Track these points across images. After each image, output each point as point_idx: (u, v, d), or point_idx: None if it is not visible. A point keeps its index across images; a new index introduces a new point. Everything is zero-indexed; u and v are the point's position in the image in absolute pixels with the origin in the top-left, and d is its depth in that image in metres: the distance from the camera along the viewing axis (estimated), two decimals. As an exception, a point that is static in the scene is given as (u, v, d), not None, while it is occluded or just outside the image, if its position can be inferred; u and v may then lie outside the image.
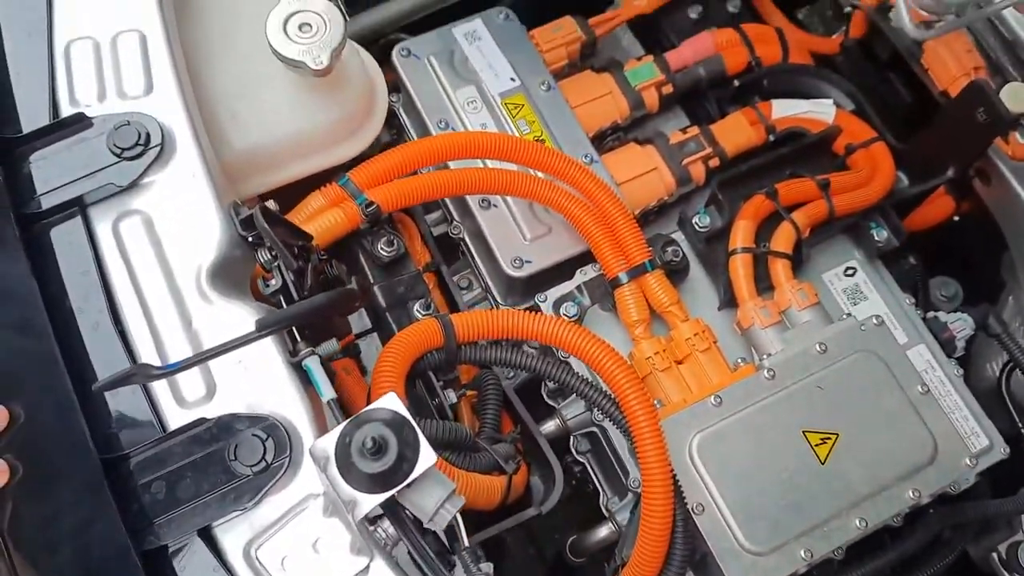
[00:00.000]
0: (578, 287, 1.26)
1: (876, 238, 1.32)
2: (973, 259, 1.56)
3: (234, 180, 1.07)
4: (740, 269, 1.24)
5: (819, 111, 1.45)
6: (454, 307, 1.31)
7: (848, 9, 1.67)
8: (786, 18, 1.72)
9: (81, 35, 0.92)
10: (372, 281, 1.15)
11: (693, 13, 1.60)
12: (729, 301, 1.27)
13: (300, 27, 1.03)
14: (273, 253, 0.86)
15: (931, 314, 1.34)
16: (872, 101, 1.53)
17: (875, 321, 1.19)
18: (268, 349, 0.81)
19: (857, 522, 1.07)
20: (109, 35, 0.93)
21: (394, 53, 1.38)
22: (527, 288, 1.29)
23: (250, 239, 0.87)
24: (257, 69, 1.08)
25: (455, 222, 1.35)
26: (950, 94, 1.44)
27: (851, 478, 1.09)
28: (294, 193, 1.15)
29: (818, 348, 1.16)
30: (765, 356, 1.17)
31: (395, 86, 1.40)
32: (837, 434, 1.11)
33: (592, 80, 1.45)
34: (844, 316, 1.22)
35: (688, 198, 1.42)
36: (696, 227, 1.30)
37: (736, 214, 1.29)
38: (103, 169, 0.86)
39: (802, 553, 1.05)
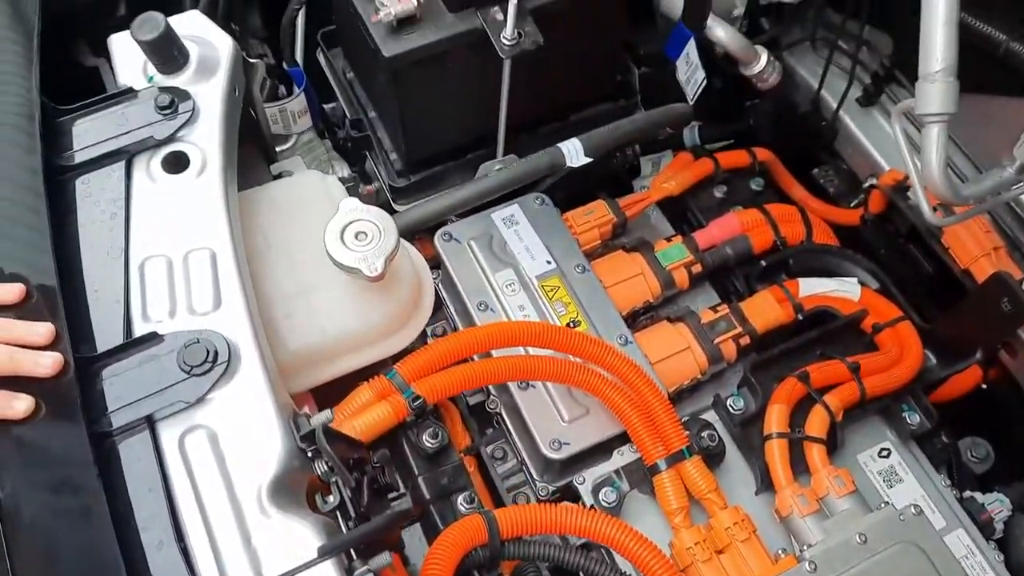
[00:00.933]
0: (616, 471, 1.28)
1: (908, 421, 1.35)
2: (1004, 426, 1.58)
3: (286, 377, 1.11)
4: (776, 455, 1.26)
5: (844, 289, 1.50)
6: (494, 490, 1.33)
7: (867, 185, 1.75)
8: (806, 190, 1.80)
9: (156, 253, 0.99)
10: (416, 472, 1.18)
11: (718, 192, 1.67)
12: (766, 486, 1.28)
13: (356, 235, 1.10)
14: (331, 466, 0.89)
15: (968, 494, 1.34)
16: (894, 274, 1.58)
17: (913, 511, 1.19)
18: (324, 568, 0.84)
19: None
20: (181, 253, 0.99)
21: (436, 237, 1.45)
22: (564, 468, 1.31)
23: (309, 453, 0.90)
24: (313, 271, 1.14)
25: (492, 397, 1.38)
26: (972, 273, 1.49)
27: None
28: (342, 381, 1.19)
29: (858, 539, 1.16)
30: (806, 547, 1.17)
31: (435, 262, 1.47)
32: (882, 630, 1.10)
33: (624, 260, 1.51)
34: (882, 504, 1.22)
35: (720, 375, 1.45)
36: (731, 410, 1.33)
37: (769, 397, 1.32)
38: (172, 386, 0.90)
39: None
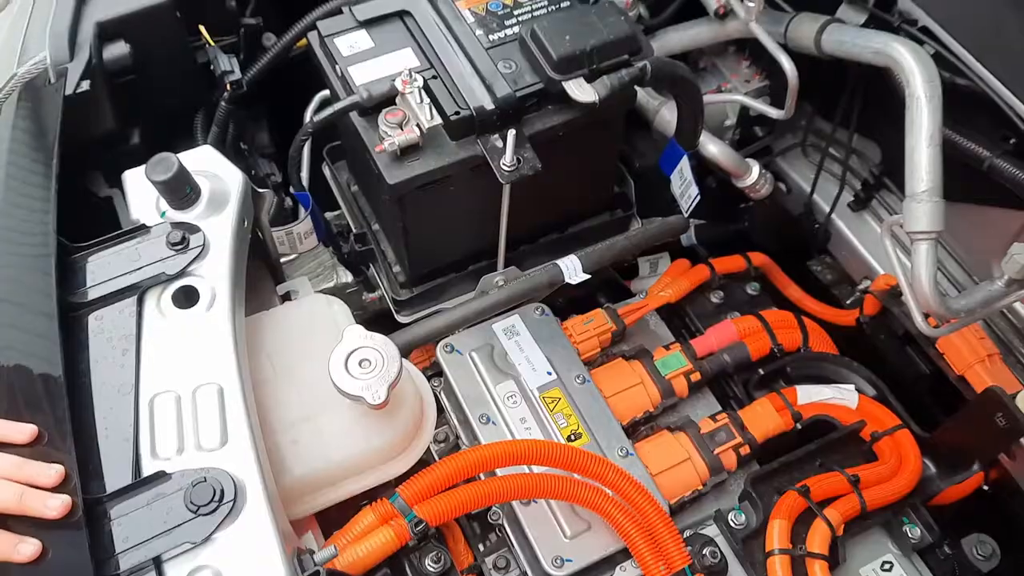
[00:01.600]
0: (619, 591, 1.28)
1: (910, 535, 1.35)
2: (1009, 522, 1.57)
3: (290, 502, 1.13)
4: (779, 572, 1.27)
5: (842, 397, 1.52)
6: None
7: (861, 287, 1.79)
8: (802, 289, 1.83)
9: (165, 389, 1.01)
10: (420, 597, 1.18)
11: (715, 298, 1.70)
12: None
13: (360, 363, 1.12)
14: (334, 607, 0.90)
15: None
16: (892, 376, 1.60)
17: (917, 631, 1.19)
18: None
19: None
20: (190, 388, 1.02)
21: (438, 349, 1.48)
22: (566, 583, 1.31)
23: (313, 593, 0.91)
24: (318, 397, 1.16)
25: (494, 509, 1.39)
26: (968, 380, 1.51)
27: None
28: (344, 502, 1.20)
29: (863, 660, 1.16)
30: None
31: (436, 368, 1.49)
32: None
33: (624, 369, 1.53)
34: (886, 624, 1.22)
35: (721, 483, 1.46)
36: (732, 525, 1.34)
37: (770, 511, 1.33)
38: (179, 526, 0.92)
39: None
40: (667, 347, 1.58)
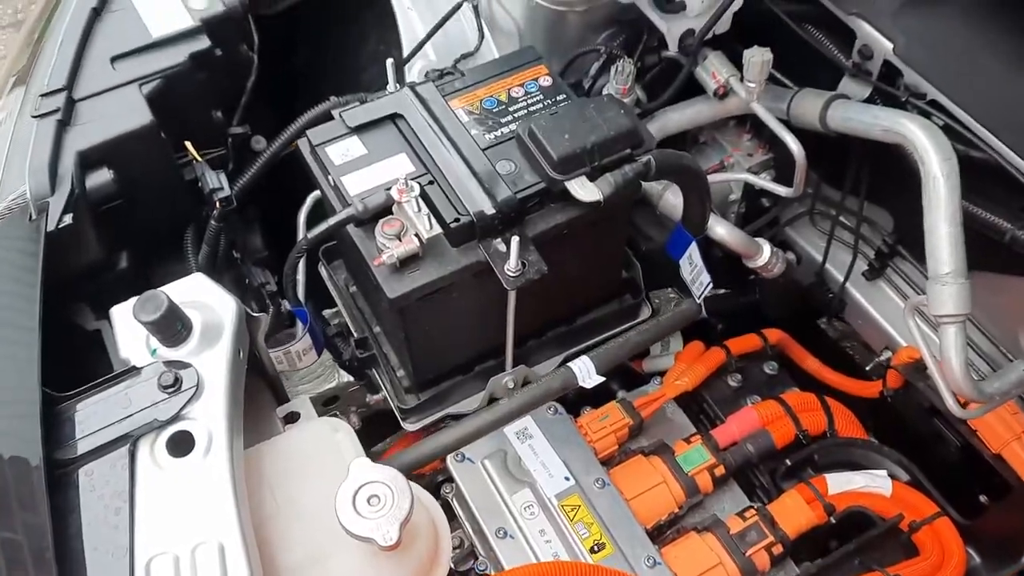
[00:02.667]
0: None
1: (960, 635, 1.27)
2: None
3: (302, 653, 1.05)
4: None
5: (875, 484, 1.45)
6: None
7: (882, 358, 1.72)
8: (819, 361, 1.76)
9: (162, 551, 0.94)
10: None
11: (733, 381, 1.64)
12: None
13: (369, 500, 1.05)
14: None
15: None
16: (923, 453, 1.53)
17: None
18: None
19: None
20: (189, 548, 0.95)
21: (448, 459, 1.41)
22: None
23: None
24: (325, 535, 1.09)
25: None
26: (1004, 458, 1.44)
27: None
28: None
29: None
30: None
31: (447, 475, 1.42)
32: None
33: (644, 468, 1.46)
34: None
35: (754, 586, 1.38)
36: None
37: (813, 620, 1.25)
38: None
39: None
40: (688, 440, 1.51)
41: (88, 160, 1.19)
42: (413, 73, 1.64)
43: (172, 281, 1.12)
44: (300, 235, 1.50)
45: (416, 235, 1.24)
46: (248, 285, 1.52)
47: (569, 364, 1.37)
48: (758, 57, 1.43)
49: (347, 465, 1.07)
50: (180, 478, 1.00)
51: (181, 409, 1.03)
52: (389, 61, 1.43)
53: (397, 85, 1.45)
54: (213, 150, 1.41)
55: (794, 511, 1.42)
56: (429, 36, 1.58)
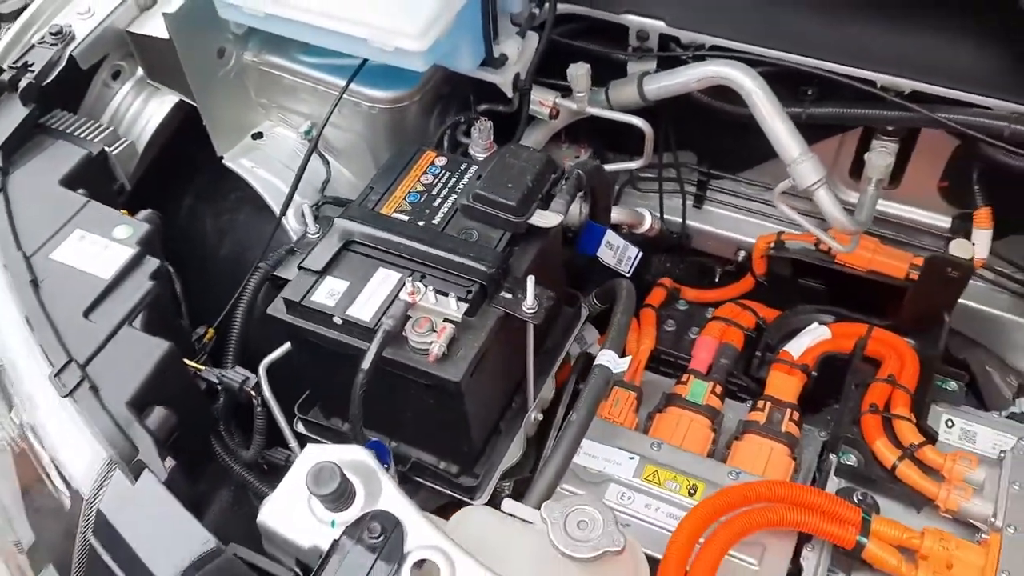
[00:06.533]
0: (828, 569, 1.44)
1: (948, 389, 1.66)
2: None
3: None
4: (911, 474, 1.49)
5: (819, 334, 1.80)
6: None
7: (740, 259, 2.11)
8: (705, 290, 2.10)
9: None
10: None
11: (669, 327, 1.93)
12: (922, 502, 1.50)
13: (578, 524, 1.16)
14: None
15: (1012, 410, 1.68)
16: (818, 300, 1.93)
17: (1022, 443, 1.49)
18: None
19: None
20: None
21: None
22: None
23: None
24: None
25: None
26: (877, 270, 1.87)
27: None
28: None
29: (1016, 487, 1.43)
30: (991, 519, 1.41)
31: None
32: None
33: (671, 418, 1.69)
34: (1001, 454, 1.50)
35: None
36: (853, 466, 1.55)
37: (864, 438, 1.56)
38: None
39: None
40: (682, 383, 1.76)
41: (139, 406, 1.16)
42: (289, 219, 1.71)
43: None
44: (264, 389, 1.50)
45: (446, 319, 1.35)
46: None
47: (598, 361, 1.54)
48: (581, 70, 1.72)
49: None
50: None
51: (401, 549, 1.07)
52: (305, 206, 1.51)
53: (316, 225, 1.53)
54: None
55: (785, 385, 1.73)
56: (299, 176, 1.66)
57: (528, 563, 1.21)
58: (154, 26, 1.56)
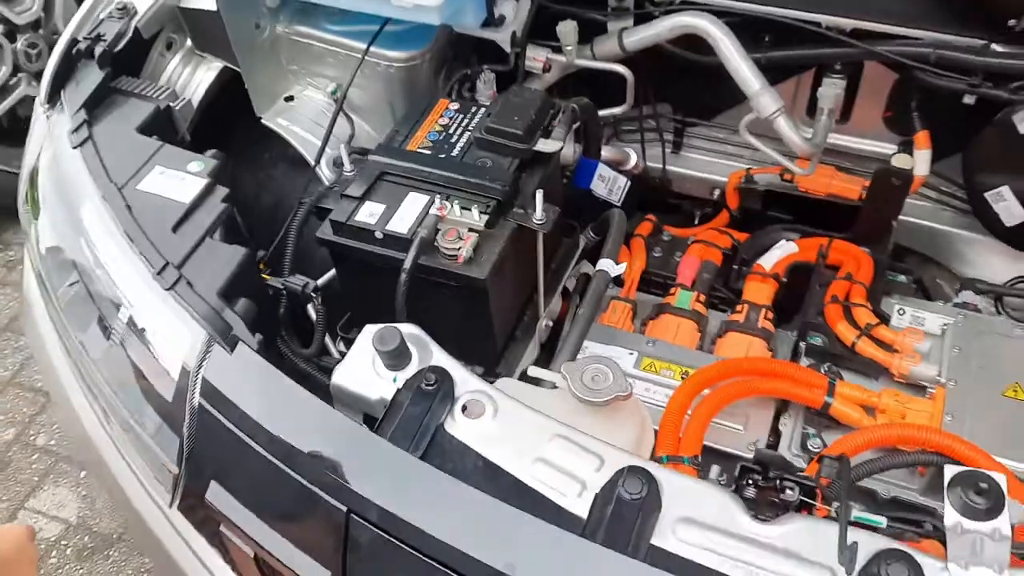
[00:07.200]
0: (803, 430, 1.70)
1: (904, 281, 1.94)
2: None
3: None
4: (868, 348, 1.76)
5: (787, 248, 2.07)
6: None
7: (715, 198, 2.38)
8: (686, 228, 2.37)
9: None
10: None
11: (658, 253, 2.19)
12: (879, 371, 1.77)
13: (593, 378, 1.42)
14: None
15: (955, 300, 1.96)
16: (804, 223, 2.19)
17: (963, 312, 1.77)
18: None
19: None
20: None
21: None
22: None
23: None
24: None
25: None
26: (835, 193, 2.14)
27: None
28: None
29: (957, 351, 1.70)
30: (936, 378, 1.68)
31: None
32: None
33: (663, 322, 1.95)
34: (943, 327, 1.78)
35: (773, 346, 1.93)
36: (822, 345, 1.81)
37: (829, 324, 1.83)
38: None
39: None
40: (670, 294, 2.03)
41: (227, 296, 1.40)
42: (323, 167, 1.96)
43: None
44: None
45: (470, 229, 1.61)
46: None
47: (596, 267, 1.80)
48: (569, 27, 1.99)
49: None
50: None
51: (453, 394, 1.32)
52: (342, 146, 1.77)
53: (352, 165, 1.79)
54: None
55: (759, 290, 2.00)
56: (329, 131, 1.92)
57: (554, 411, 1.46)
58: (202, 1, 1.82)
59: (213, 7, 1.78)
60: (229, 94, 1.98)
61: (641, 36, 2.03)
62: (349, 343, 1.85)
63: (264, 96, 1.99)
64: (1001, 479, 1.10)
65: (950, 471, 1.13)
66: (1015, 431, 1.57)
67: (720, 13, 1.97)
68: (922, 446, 1.44)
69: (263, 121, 1.99)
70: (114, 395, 1.48)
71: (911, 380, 1.74)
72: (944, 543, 1.08)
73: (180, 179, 1.57)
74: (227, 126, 2.03)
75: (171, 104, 1.72)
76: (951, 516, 1.09)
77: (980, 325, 1.79)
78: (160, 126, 1.70)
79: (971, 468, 1.13)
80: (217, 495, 1.29)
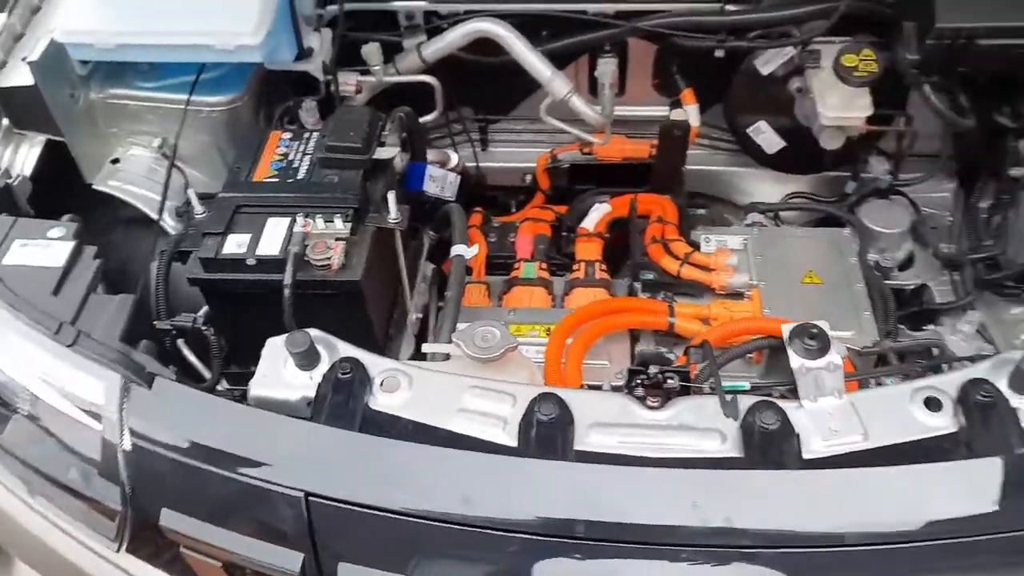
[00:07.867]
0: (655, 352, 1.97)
1: (699, 214, 2.28)
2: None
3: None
4: (691, 272, 2.07)
5: (603, 209, 2.35)
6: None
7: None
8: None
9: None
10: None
11: (493, 238, 2.41)
12: (702, 291, 2.08)
13: (483, 338, 1.60)
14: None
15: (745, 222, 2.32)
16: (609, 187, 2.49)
17: (758, 228, 2.11)
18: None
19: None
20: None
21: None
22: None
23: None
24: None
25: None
26: (631, 158, 2.46)
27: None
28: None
29: (759, 258, 2.04)
30: (749, 283, 2.01)
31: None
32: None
33: (516, 293, 2.17)
34: (744, 242, 2.12)
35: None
36: (648, 277, 2.10)
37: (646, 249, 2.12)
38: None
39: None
40: (516, 269, 2.25)
41: (128, 342, 1.46)
42: (165, 218, 2.01)
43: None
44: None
45: (337, 238, 1.75)
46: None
47: (453, 253, 1.99)
48: (373, 48, 2.17)
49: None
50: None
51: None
52: (190, 191, 1.85)
53: (202, 207, 1.87)
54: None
55: (589, 248, 2.27)
56: (167, 182, 1.98)
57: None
58: (15, 78, 1.83)
59: (30, 82, 1.80)
60: (57, 165, 1.99)
61: (437, 47, 2.24)
62: (230, 377, 1.94)
63: (90, 162, 2.01)
64: (824, 324, 1.41)
65: (787, 328, 1.41)
66: (818, 307, 1.92)
67: (503, 16, 2.23)
68: (758, 332, 1.74)
69: (94, 186, 2.01)
70: (34, 467, 1.49)
71: (730, 290, 2.05)
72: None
73: (44, 247, 1.60)
74: (62, 196, 2.03)
75: (8, 181, 1.73)
76: (795, 361, 1.38)
77: (771, 235, 2.15)
78: (2, 205, 1.71)
79: (802, 322, 1.42)
80: (171, 519, 1.35)
